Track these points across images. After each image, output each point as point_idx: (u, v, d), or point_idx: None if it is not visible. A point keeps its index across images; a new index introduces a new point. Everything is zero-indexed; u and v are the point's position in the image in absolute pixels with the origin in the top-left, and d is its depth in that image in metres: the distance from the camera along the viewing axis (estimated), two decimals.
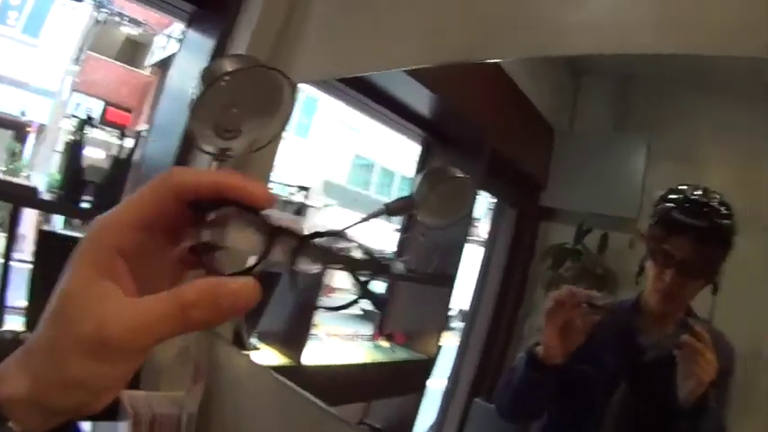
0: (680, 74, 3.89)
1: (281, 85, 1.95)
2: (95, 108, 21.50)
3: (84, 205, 3.06)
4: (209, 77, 1.84)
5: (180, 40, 2.93)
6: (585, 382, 1.87)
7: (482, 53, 2.22)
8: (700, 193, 1.83)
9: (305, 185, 3.32)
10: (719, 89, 3.82)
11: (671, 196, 1.86)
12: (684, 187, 1.85)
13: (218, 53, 2.69)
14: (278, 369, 3.06)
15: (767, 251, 3.52)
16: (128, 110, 23.69)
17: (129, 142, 3.65)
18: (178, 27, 2.87)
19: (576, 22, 1.92)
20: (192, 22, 2.92)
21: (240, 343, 2.63)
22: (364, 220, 2.34)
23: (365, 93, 3.53)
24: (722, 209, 1.80)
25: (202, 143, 2.15)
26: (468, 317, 4.58)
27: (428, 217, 2.28)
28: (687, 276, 1.76)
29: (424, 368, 3.85)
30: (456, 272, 3.80)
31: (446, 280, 3.73)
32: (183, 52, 2.92)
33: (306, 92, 3.49)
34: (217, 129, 1.97)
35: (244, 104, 1.96)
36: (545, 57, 3.12)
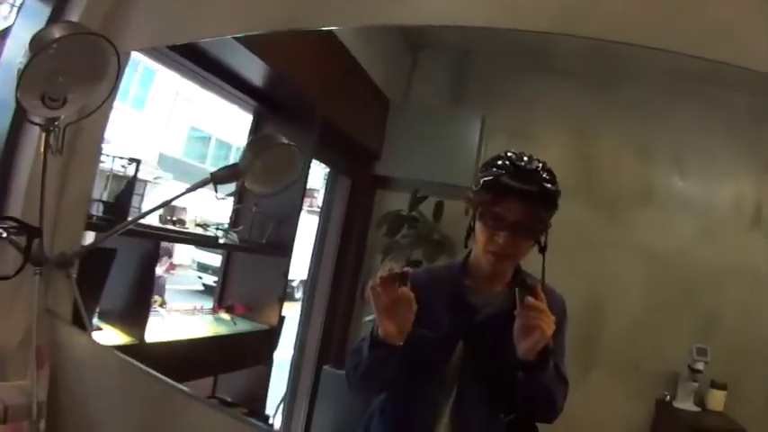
0: (515, 52, 4.01)
1: (107, 52, 1.89)
2: None
3: None
4: (37, 46, 1.77)
5: (18, 9, 2.80)
6: (424, 344, 1.89)
7: (309, 21, 2.22)
8: (525, 159, 1.86)
9: (136, 158, 3.23)
10: (553, 68, 3.98)
11: (498, 162, 1.89)
12: (510, 154, 1.89)
13: (55, 19, 2.59)
14: (121, 348, 2.99)
15: (591, 218, 3.72)
16: None
17: None
18: None
19: None
20: None
21: (80, 323, 2.57)
22: (190, 189, 2.30)
23: (199, 63, 3.43)
24: (546, 174, 1.85)
25: (30, 113, 2.08)
26: (308, 285, 4.60)
27: (255, 184, 2.25)
28: (519, 237, 1.79)
29: (268, 339, 3.84)
30: (291, 241, 3.76)
31: (282, 249, 3.72)
32: (20, 20, 2.80)
33: (143, 63, 3.41)
34: (44, 98, 1.90)
35: (70, 72, 1.89)
36: (376, 26, 3.14)
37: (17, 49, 2.58)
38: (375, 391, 2.01)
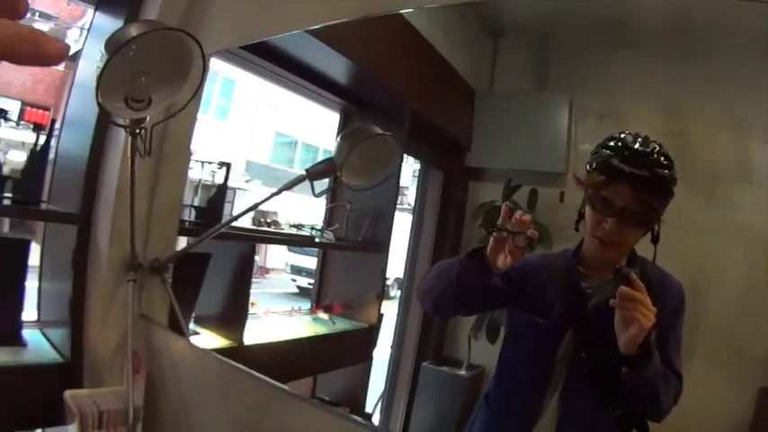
0: (596, 29, 3.94)
1: (189, 48, 1.88)
2: (12, 110, 20.97)
3: (5, 202, 2.99)
4: (114, 45, 1.76)
5: (89, 27, 2.84)
6: (534, 330, 1.87)
7: (386, 4, 2.20)
8: (640, 141, 1.82)
9: (226, 162, 3.27)
10: (637, 43, 3.88)
11: (610, 143, 1.85)
12: (624, 135, 1.85)
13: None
14: (220, 351, 3.02)
15: (688, 198, 3.62)
16: (46, 108, 23.16)
17: (43, 138, 3.55)
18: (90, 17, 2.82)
19: None
20: (99, 5, 2.84)
21: (177, 328, 2.59)
22: (285, 188, 2.30)
23: (280, 64, 3.46)
24: (661, 158, 1.80)
25: (114, 115, 2.09)
26: (405, 282, 4.59)
27: (351, 178, 2.23)
28: (626, 223, 1.75)
29: (367, 337, 3.83)
30: (387, 237, 3.78)
31: (378, 246, 3.71)
32: (90, 39, 2.84)
33: (222, 74, 3.44)
34: (127, 100, 1.89)
35: (152, 72, 1.89)
36: (453, 12, 3.11)
37: (90, 69, 2.62)
38: (443, 306, 1.97)
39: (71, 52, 2.87)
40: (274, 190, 2.33)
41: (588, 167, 1.80)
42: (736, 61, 3.64)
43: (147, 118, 2.07)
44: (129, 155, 2.17)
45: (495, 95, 4.42)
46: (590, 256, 1.86)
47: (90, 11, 2.94)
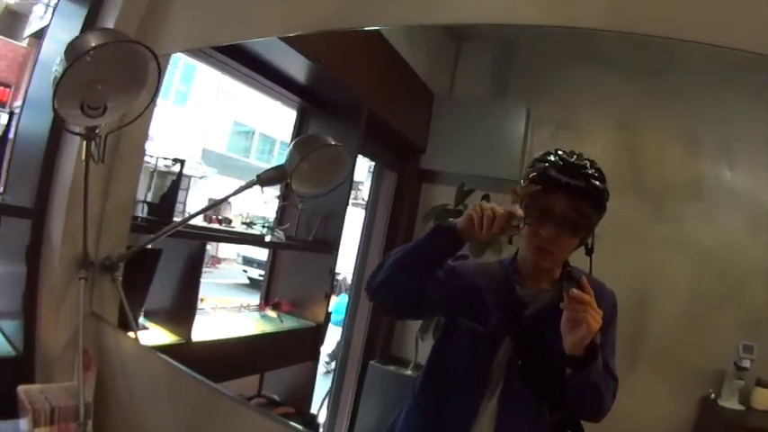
0: (559, 41, 3.96)
1: (146, 60, 1.88)
2: None
3: None
4: (73, 54, 1.75)
5: (54, 9, 2.80)
6: (471, 337, 1.88)
7: (350, 21, 2.19)
8: (575, 156, 1.85)
9: (181, 158, 3.24)
10: (597, 57, 3.92)
11: (547, 157, 1.88)
12: (560, 151, 1.88)
13: (91, 21, 2.59)
14: (168, 348, 2.99)
15: (638, 212, 3.66)
16: (7, 85, 22.69)
17: (3, 118, 3.50)
18: None
19: None
20: None
21: (126, 325, 2.58)
22: (236, 192, 2.29)
23: (241, 60, 3.43)
24: (595, 171, 1.84)
25: (69, 122, 2.07)
26: (354, 281, 4.60)
27: (301, 186, 2.23)
28: (564, 231, 1.77)
29: (314, 335, 3.82)
30: (337, 237, 3.73)
31: (328, 246, 3.71)
32: (56, 21, 2.80)
33: (184, 59, 3.41)
34: (83, 107, 1.88)
35: (109, 80, 1.88)
36: (419, 25, 3.12)
37: (54, 50, 2.60)
38: (400, 297, 1.96)
39: (36, 29, 2.85)
40: (229, 178, 2.33)
41: (523, 181, 1.83)
42: (692, 79, 3.69)
43: (102, 125, 2.06)
44: (83, 159, 2.16)
45: (453, 100, 4.44)
46: (525, 266, 1.88)
47: None
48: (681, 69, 3.65)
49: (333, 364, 4.61)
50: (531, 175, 1.78)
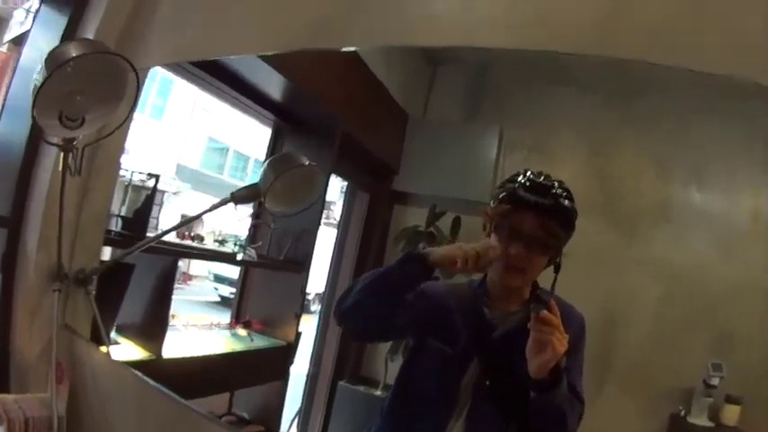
0: (533, 65, 4.00)
1: (126, 71, 1.89)
2: None
3: None
4: (53, 64, 1.76)
5: (35, 16, 2.81)
6: (439, 357, 1.89)
7: (327, 41, 2.22)
8: (544, 176, 1.88)
9: (155, 173, 3.24)
10: (571, 81, 3.96)
11: (517, 178, 1.90)
12: (529, 172, 1.91)
13: (72, 30, 2.59)
14: (139, 363, 2.98)
15: (609, 233, 3.70)
16: None
17: None
18: (37, 1, 2.75)
19: (428, 14, 1.93)
20: None
21: (98, 339, 2.57)
22: (210, 209, 2.30)
23: (217, 76, 3.43)
24: (563, 191, 1.87)
25: (47, 133, 2.07)
26: (325, 301, 4.60)
27: (275, 204, 2.25)
28: (533, 250, 1.79)
29: (284, 354, 3.82)
30: (309, 257, 3.75)
31: (299, 265, 3.71)
32: (36, 28, 2.80)
33: (161, 73, 3.41)
34: (61, 117, 1.88)
35: (88, 92, 1.88)
36: (395, 46, 3.14)
37: (34, 57, 2.60)
38: (369, 322, 1.97)
39: (16, 34, 2.83)
40: (203, 195, 2.34)
41: (493, 201, 1.85)
42: (665, 104, 3.74)
43: (80, 137, 2.06)
44: (59, 170, 2.16)
45: (427, 122, 4.47)
46: (494, 287, 1.90)
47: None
48: (654, 94, 3.70)
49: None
50: (500, 196, 1.80)
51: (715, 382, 3.49)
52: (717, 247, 3.67)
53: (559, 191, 1.77)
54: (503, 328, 1.84)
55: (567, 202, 1.76)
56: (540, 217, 1.73)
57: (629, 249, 3.78)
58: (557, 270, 1.82)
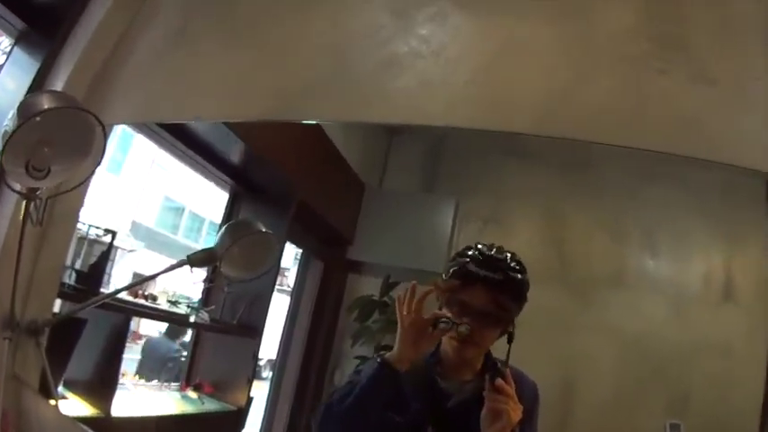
0: (489, 139, 4.07)
1: (94, 129, 1.91)
2: None
3: None
4: (26, 113, 1.78)
5: (6, 57, 2.81)
6: (392, 428, 1.89)
7: (290, 114, 2.27)
8: (495, 249, 1.91)
9: (112, 229, 3.23)
10: (525, 152, 4.05)
11: (468, 252, 1.93)
12: (479, 245, 1.93)
13: (42, 76, 2.61)
14: (88, 420, 2.93)
15: (564, 301, 3.76)
16: None
17: None
18: (8, 41, 2.74)
19: (391, 90, 1.98)
20: (19, 39, 2.82)
21: (47, 392, 2.55)
22: (166, 270, 2.32)
23: (177, 136, 3.44)
24: (514, 264, 1.90)
25: (11, 180, 2.08)
26: (277, 367, 4.57)
27: (231, 269, 2.26)
28: (484, 324, 1.82)
29: (235, 419, 3.79)
30: (262, 322, 3.75)
31: (252, 330, 3.70)
32: (7, 69, 2.81)
33: (122, 127, 3.42)
34: (27, 167, 1.90)
35: (56, 143, 1.90)
36: (355, 122, 3.21)
37: (3, 99, 2.62)
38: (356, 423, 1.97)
39: None
40: (156, 254, 2.35)
41: (444, 275, 1.88)
42: (619, 173, 3.84)
43: (43, 188, 2.08)
44: (20, 219, 2.17)
45: (384, 192, 4.53)
46: (447, 357, 1.91)
47: (8, 39, 2.93)
48: (605, 163, 3.80)
49: None
50: (451, 270, 1.84)
51: None
52: (670, 311, 3.76)
53: (510, 263, 1.81)
54: (457, 397, 1.85)
55: (518, 275, 1.80)
56: (490, 292, 1.77)
57: (584, 315, 3.84)
58: (510, 341, 1.85)
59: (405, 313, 1.77)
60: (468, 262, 1.81)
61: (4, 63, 2.87)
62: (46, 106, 1.82)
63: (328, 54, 2.19)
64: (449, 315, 1.78)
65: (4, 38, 2.99)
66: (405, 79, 1.97)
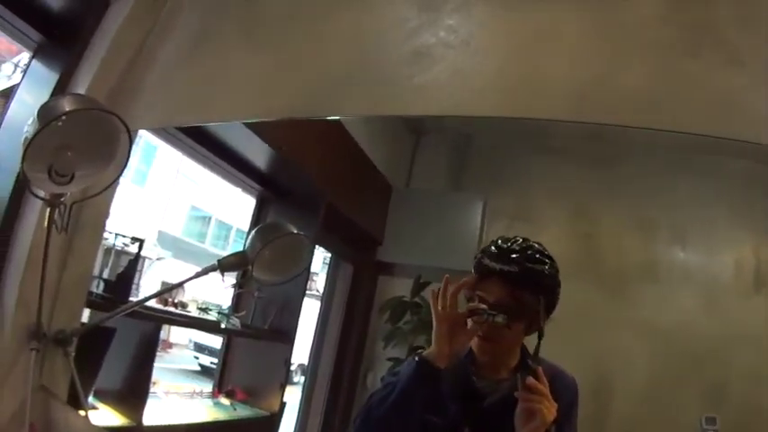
0: (515, 134, 4.07)
1: (118, 131, 1.86)
2: None
3: None
4: (46, 116, 1.74)
5: (24, 70, 2.78)
6: (431, 429, 1.85)
7: (314, 110, 2.24)
8: (512, 240, 1.84)
9: (139, 237, 3.20)
10: (552, 148, 4.02)
11: (487, 246, 1.87)
12: (499, 239, 1.87)
13: (61, 88, 2.58)
14: (118, 430, 2.93)
15: (596, 296, 3.72)
16: None
17: None
18: (26, 56, 2.73)
19: (418, 84, 1.95)
20: (37, 52, 2.79)
21: (76, 403, 2.52)
22: (196, 276, 2.28)
23: (203, 143, 3.44)
24: (535, 254, 1.82)
25: (35, 186, 2.04)
26: (309, 371, 4.55)
27: (262, 273, 2.22)
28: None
29: (269, 425, 3.74)
30: (293, 327, 3.70)
31: (284, 336, 3.67)
32: (25, 83, 2.77)
33: (145, 138, 3.41)
34: (50, 172, 1.86)
35: (79, 148, 1.86)
36: (384, 116, 3.18)
37: (21, 113, 2.59)
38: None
39: (3, 88, 2.78)
40: (184, 263, 2.32)
41: (473, 271, 1.83)
42: (646, 166, 3.81)
43: (68, 194, 2.05)
44: (44, 226, 2.14)
45: (411, 192, 4.51)
46: (480, 355, 1.87)
47: (26, 52, 2.91)
48: (633, 158, 3.77)
49: None
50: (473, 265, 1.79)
51: None
52: (703, 303, 3.73)
53: (529, 254, 1.74)
54: (492, 397, 1.80)
55: (536, 265, 1.73)
56: (506, 286, 1.70)
57: (616, 310, 3.82)
58: (540, 336, 1.79)
59: (440, 308, 1.73)
60: (482, 256, 1.76)
61: (21, 79, 2.86)
62: (67, 109, 1.78)
63: (356, 49, 2.16)
64: (484, 306, 1.73)
65: (19, 57, 2.98)
66: (436, 70, 1.94)
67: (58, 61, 2.70)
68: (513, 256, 1.72)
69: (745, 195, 3.71)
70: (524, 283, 1.72)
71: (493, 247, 1.76)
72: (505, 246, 1.75)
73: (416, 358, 1.75)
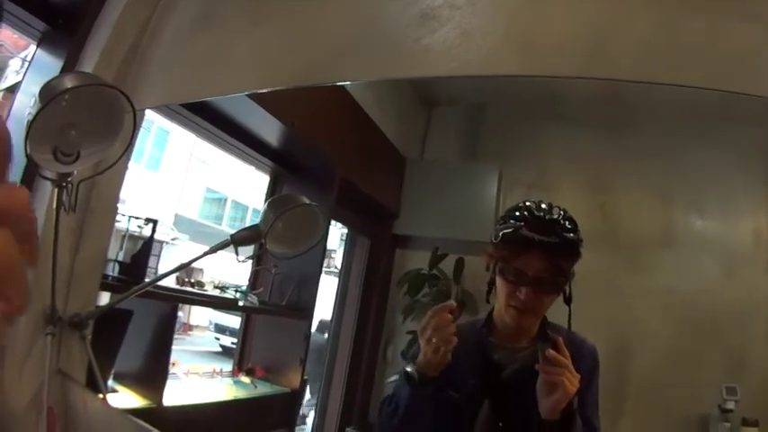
0: (528, 102, 4.02)
1: (122, 106, 1.84)
2: None
3: None
4: (47, 95, 1.71)
5: (29, 61, 2.76)
6: (449, 405, 1.83)
7: (324, 75, 2.20)
8: (545, 208, 1.79)
9: (153, 218, 3.18)
10: (566, 115, 3.98)
11: (517, 213, 1.82)
12: (529, 204, 1.83)
13: (66, 72, 2.56)
14: (138, 411, 2.91)
15: (613, 265, 3.68)
16: None
17: None
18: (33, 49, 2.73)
19: (425, 45, 1.91)
20: (41, 41, 2.78)
21: (95, 386, 2.51)
22: (210, 251, 2.25)
23: (214, 122, 3.41)
24: (567, 223, 1.78)
25: (42, 167, 2.02)
26: (329, 347, 4.55)
27: (276, 246, 2.19)
28: (542, 291, 1.73)
29: (290, 401, 3.76)
30: (312, 303, 3.69)
31: (302, 311, 3.66)
32: (30, 74, 2.75)
33: (157, 124, 3.40)
34: (56, 152, 1.83)
35: (83, 126, 1.83)
36: (389, 82, 3.14)
37: (27, 103, 2.57)
38: None
39: (11, 83, 2.77)
40: (201, 245, 2.30)
41: (493, 239, 1.79)
42: (663, 133, 3.77)
43: (75, 172, 2.02)
44: (53, 207, 2.12)
45: (425, 164, 4.48)
46: (503, 325, 1.83)
47: (33, 45, 2.89)
48: (649, 124, 3.72)
49: None
50: (501, 234, 1.74)
51: (731, 405, 3.51)
52: (721, 272, 3.69)
53: (564, 222, 1.71)
54: (511, 367, 1.77)
55: (571, 234, 1.70)
56: (548, 258, 1.66)
57: (633, 278, 3.79)
58: (568, 302, 1.76)
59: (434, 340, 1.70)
60: (521, 225, 1.71)
61: (26, 69, 2.84)
62: (68, 86, 1.75)
63: (361, 14, 2.13)
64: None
65: (26, 52, 2.96)
66: (443, 32, 1.90)
67: (63, 49, 2.68)
68: (553, 226, 1.68)
69: (764, 162, 3.67)
70: (565, 254, 1.68)
71: (530, 216, 1.72)
72: (542, 214, 1.71)
73: (407, 376, 1.73)
